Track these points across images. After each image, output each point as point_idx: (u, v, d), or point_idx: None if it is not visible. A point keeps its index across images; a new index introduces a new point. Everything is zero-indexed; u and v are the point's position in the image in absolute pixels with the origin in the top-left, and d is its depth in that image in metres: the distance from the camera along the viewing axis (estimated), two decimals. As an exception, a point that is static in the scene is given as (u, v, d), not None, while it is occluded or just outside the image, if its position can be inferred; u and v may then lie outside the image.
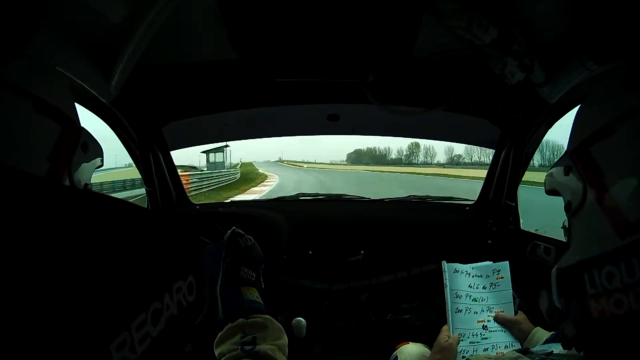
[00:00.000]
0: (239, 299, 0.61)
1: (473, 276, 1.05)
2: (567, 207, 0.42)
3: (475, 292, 1.03)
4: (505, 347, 0.97)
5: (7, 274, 0.21)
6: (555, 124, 1.21)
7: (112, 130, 1.23)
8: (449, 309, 1.00)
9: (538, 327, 0.95)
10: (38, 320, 0.22)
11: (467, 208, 1.57)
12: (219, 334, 0.58)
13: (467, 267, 1.05)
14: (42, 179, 0.41)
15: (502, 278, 1.05)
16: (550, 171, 0.45)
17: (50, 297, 0.22)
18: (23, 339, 0.21)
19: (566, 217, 0.43)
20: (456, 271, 1.04)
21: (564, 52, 0.86)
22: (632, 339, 0.33)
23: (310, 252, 1.40)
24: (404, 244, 1.41)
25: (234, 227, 0.69)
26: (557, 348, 0.61)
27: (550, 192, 0.45)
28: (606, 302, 0.35)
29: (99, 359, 0.25)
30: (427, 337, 1.01)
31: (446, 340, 0.94)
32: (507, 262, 1.07)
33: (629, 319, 0.33)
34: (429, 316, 1.33)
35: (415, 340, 1.07)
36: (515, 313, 1.01)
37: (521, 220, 1.43)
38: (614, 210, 0.35)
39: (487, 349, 0.96)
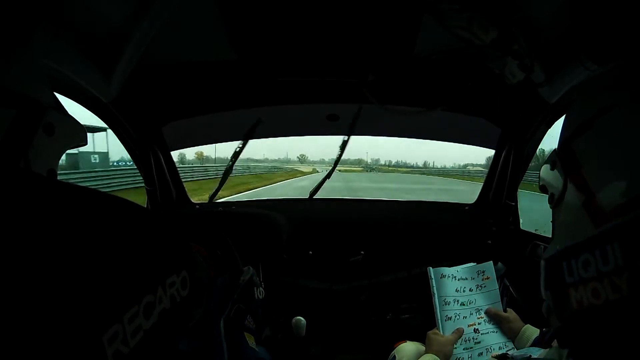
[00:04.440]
0: (244, 347, 0.62)
1: (459, 279, 1.05)
2: (550, 199, 0.44)
3: (463, 295, 1.03)
4: (500, 348, 0.97)
5: None
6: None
7: (112, 130, 1.23)
8: (439, 318, 1.00)
9: (528, 325, 0.96)
10: (30, 311, 0.22)
11: (467, 208, 1.57)
12: None
13: (453, 270, 1.06)
14: (39, 176, 0.41)
15: (487, 279, 1.06)
16: (541, 167, 0.47)
17: (42, 288, 0.23)
18: (14, 329, 0.21)
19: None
20: (443, 276, 1.04)
21: (564, 52, 0.86)
22: (610, 331, 0.34)
23: (310, 252, 1.40)
24: (404, 244, 1.41)
25: (252, 271, 0.69)
26: (535, 352, 0.61)
27: (541, 188, 0.47)
28: (584, 291, 0.35)
29: (92, 350, 0.25)
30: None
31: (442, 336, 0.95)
32: (491, 262, 1.08)
33: (606, 309, 0.33)
34: (428, 316, 1.33)
35: (414, 340, 1.07)
36: (504, 311, 1.02)
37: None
38: (590, 200, 0.37)
39: (481, 353, 0.96)
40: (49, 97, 0.47)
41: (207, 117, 1.36)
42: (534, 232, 1.34)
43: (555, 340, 0.43)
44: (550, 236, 1.26)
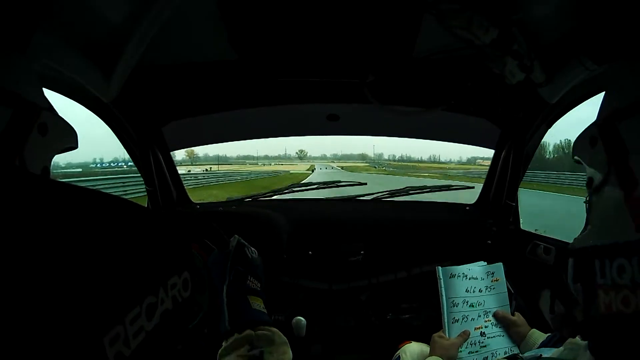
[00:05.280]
0: (246, 308, 0.61)
1: (470, 278, 1.02)
2: (589, 183, 0.39)
3: (473, 296, 1.00)
4: (505, 352, 0.94)
5: None
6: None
7: (112, 130, 1.23)
8: (445, 320, 0.97)
9: (534, 329, 0.94)
10: (31, 312, 0.22)
11: (467, 208, 1.57)
12: (224, 345, 0.58)
13: (463, 268, 1.02)
14: (39, 176, 0.41)
15: (497, 280, 1.03)
16: (577, 137, 0.41)
17: (42, 289, 0.23)
18: (14, 330, 0.21)
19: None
20: (452, 275, 1.01)
21: (564, 52, 0.86)
22: (636, 341, 0.32)
23: (310, 252, 1.39)
24: (404, 244, 1.41)
25: (237, 237, 0.68)
26: (546, 352, 0.61)
27: (576, 160, 0.42)
28: (614, 297, 0.32)
29: (92, 352, 0.24)
30: (427, 336, 1.01)
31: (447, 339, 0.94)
32: (500, 264, 1.05)
33: (635, 319, 0.31)
34: (428, 316, 1.33)
35: (416, 340, 1.07)
36: (512, 315, 1.00)
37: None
38: (635, 197, 0.32)
39: (486, 357, 0.94)
40: (43, 99, 0.48)
41: (207, 117, 1.36)
42: (534, 232, 1.34)
43: (565, 339, 0.42)
44: (550, 236, 1.25)
